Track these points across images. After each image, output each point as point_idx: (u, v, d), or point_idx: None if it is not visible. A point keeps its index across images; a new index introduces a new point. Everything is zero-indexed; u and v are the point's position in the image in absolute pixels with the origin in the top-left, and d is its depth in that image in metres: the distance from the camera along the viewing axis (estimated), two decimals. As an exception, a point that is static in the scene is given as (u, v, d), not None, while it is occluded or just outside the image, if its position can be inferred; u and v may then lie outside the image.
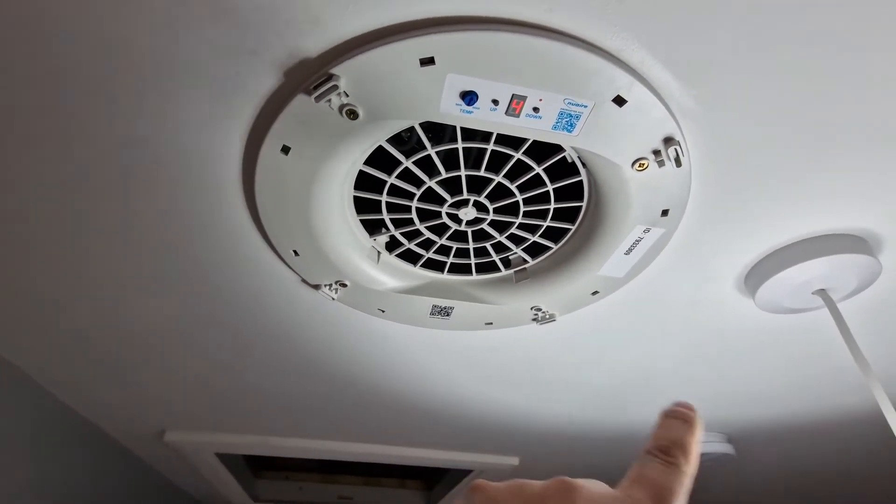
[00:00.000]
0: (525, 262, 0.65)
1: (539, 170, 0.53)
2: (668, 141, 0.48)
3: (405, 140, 0.51)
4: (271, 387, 0.91)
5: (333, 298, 0.66)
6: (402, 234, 0.60)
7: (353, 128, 0.46)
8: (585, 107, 0.45)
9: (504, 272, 0.66)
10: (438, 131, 0.51)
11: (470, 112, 0.45)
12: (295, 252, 0.60)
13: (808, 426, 1.06)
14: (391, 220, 0.59)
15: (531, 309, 0.68)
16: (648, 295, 0.69)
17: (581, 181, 0.55)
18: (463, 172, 0.53)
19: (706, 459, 1.10)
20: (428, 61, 0.42)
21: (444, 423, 1.05)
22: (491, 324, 0.71)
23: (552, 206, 0.57)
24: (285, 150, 0.49)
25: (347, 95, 0.44)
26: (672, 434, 0.25)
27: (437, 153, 0.51)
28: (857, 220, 0.59)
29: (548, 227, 0.59)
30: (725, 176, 0.54)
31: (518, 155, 0.51)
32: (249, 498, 1.38)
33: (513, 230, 0.60)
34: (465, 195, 0.55)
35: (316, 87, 0.43)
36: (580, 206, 0.58)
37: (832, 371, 0.86)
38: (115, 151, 0.51)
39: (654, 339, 0.79)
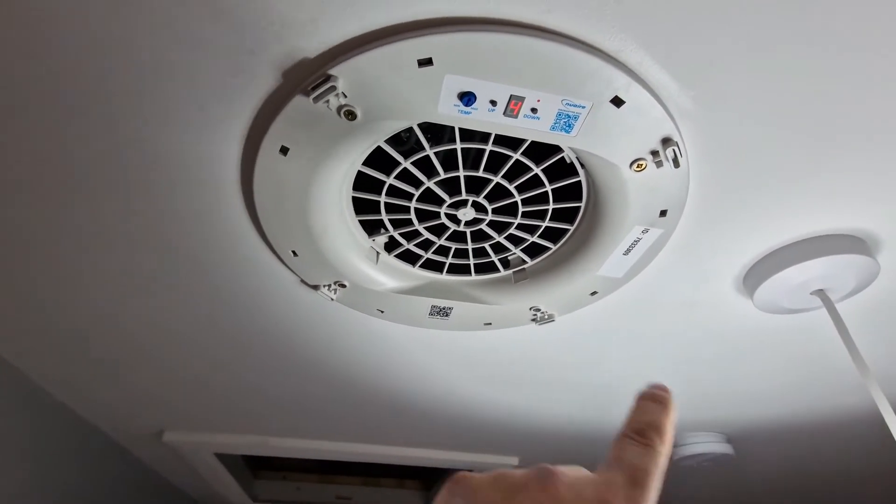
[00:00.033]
0: (524, 262, 0.65)
1: (537, 170, 0.53)
2: (667, 142, 0.48)
3: (404, 140, 0.52)
4: (270, 387, 0.91)
5: (332, 299, 0.66)
6: (400, 234, 0.61)
7: (351, 128, 0.47)
8: (583, 108, 0.45)
9: (503, 273, 0.67)
10: (437, 132, 0.51)
11: (468, 113, 0.45)
12: (294, 252, 0.60)
13: (807, 426, 1.06)
14: (390, 220, 0.59)
15: (530, 309, 0.68)
16: (647, 295, 0.69)
17: (579, 182, 0.55)
18: (461, 173, 0.53)
19: (705, 459, 1.10)
20: (426, 62, 0.42)
21: (442, 423, 1.05)
22: (490, 324, 0.71)
23: (551, 206, 0.57)
24: (284, 150, 0.49)
25: (346, 96, 0.44)
26: (647, 416, 0.25)
27: (435, 154, 0.52)
28: (855, 221, 0.59)
29: (546, 227, 0.59)
30: (724, 176, 0.54)
31: (516, 156, 0.51)
32: (248, 498, 1.38)
33: (511, 231, 0.60)
34: (464, 196, 0.56)
35: (314, 88, 0.43)
36: (579, 207, 0.58)
37: (831, 371, 0.86)
38: (115, 151, 0.51)
39: (653, 340, 0.79)
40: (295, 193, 0.53)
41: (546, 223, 0.59)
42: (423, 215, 0.58)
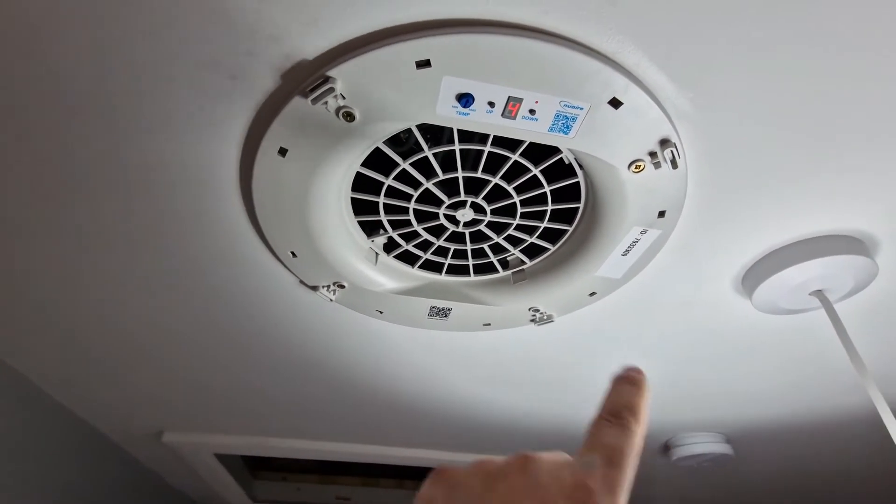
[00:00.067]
0: (523, 263, 0.65)
1: (536, 171, 0.53)
2: (665, 143, 0.48)
3: (402, 142, 0.52)
4: (270, 387, 0.91)
5: (331, 300, 0.66)
6: (399, 235, 0.61)
7: (349, 130, 0.47)
8: (581, 109, 0.45)
9: (502, 273, 0.67)
10: (436, 133, 0.51)
11: (466, 114, 0.45)
12: (293, 253, 0.60)
13: (806, 426, 1.06)
14: (389, 221, 0.59)
15: (529, 310, 0.68)
16: (646, 296, 0.69)
17: (578, 183, 0.55)
18: (460, 174, 0.53)
19: (705, 460, 1.10)
20: (424, 63, 0.42)
21: (442, 423, 1.05)
22: (489, 325, 0.71)
23: (549, 207, 0.57)
24: (282, 151, 0.49)
25: (344, 98, 0.44)
26: (622, 398, 0.26)
27: (434, 155, 0.52)
28: (853, 221, 0.59)
29: (545, 228, 0.59)
30: (722, 177, 0.54)
31: (515, 157, 0.52)
32: (248, 498, 1.38)
33: (510, 231, 0.60)
34: (463, 196, 0.56)
35: (313, 90, 0.43)
36: (577, 208, 0.58)
37: (830, 371, 0.86)
38: (115, 151, 0.51)
39: (652, 340, 0.79)
40: (294, 194, 0.53)
41: (545, 224, 0.59)
42: (421, 216, 0.58)
